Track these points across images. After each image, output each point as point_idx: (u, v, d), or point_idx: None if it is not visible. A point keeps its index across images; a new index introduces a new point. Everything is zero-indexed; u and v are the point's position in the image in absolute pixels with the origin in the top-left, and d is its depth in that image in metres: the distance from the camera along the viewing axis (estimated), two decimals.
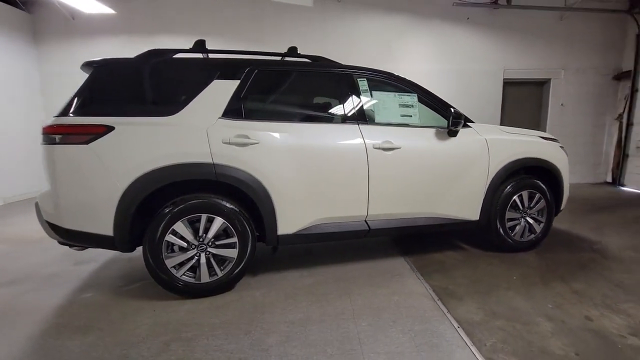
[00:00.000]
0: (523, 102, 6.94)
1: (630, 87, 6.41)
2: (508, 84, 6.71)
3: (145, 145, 2.10)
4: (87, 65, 2.24)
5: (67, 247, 2.31)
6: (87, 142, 2.02)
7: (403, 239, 3.45)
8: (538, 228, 3.12)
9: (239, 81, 2.33)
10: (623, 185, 6.45)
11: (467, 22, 6.46)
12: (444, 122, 2.75)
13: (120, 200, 2.06)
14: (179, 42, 6.05)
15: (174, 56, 2.38)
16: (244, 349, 1.75)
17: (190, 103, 2.23)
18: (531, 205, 3.06)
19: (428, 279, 2.55)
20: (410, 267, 2.79)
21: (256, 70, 2.40)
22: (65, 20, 6.08)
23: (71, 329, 1.94)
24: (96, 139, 2.02)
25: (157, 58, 2.33)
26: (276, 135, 2.32)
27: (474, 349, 1.73)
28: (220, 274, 2.28)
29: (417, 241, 3.39)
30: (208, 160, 2.17)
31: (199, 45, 2.51)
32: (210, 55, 2.59)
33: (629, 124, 6.45)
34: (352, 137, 2.50)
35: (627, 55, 6.58)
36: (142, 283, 2.52)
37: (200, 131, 2.18)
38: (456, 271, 2.71)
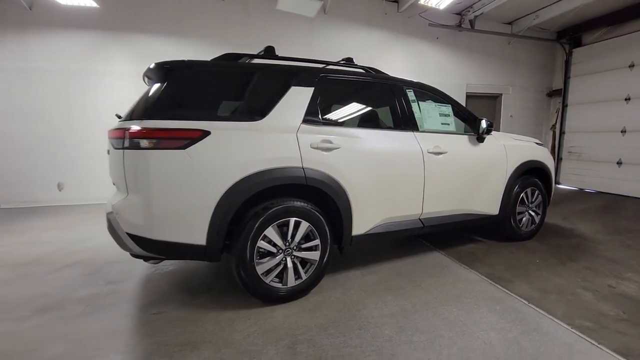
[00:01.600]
0: (482, 113, 7.93)
1: (561, 102, 7.80)
2: (470, 96, 7.64)
3: (241, 150, 2.05)
4: (160, 67, 2.12)
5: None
6: (183, 147, 1.92)
7: (425, 236, 3.77)
8: (537, 219, 3.71)
9: (313, 88, 2.41)
10: (559, 184, 7.77)
11: (437, 41, 7.22)
12: (468, 129, 3.16)
13: (216, 207, 1.98)
14: (162, 42, 5.72)
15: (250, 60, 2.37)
16: (370, 342, 1.84)
17: (275, 108, 2.24)
18: (532, 200, 3.63)
19: (473, 268, 2.89)
20: (450, 259, 3.11)
21: (327, 78, 2.51)
22: (21, 10, 5.30)
23: (176, 346, 1.81)
24: (193, 144, 1.93)
25: (235, 61, 2.29)
26: (352, 140, 2.45)
27: (553, 318, 2.08)
28: (304, 277, 2.31)
29: (438, 237, 3.74)
30: (299, 164, 2.20)
31: (269, 52, 2.53)
32: (256, 60, 2.58)
33: (561, 133, 7.83)
34: (410, 143, 2.74)
35: (557, 77, 8.00)
36: (209, 295, 2.40)
37: (291, 136, 2.22)
38: (489, 260, 3.10)
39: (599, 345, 1.81)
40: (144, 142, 1.87)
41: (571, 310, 2.19)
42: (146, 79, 2.39)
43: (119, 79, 5.66)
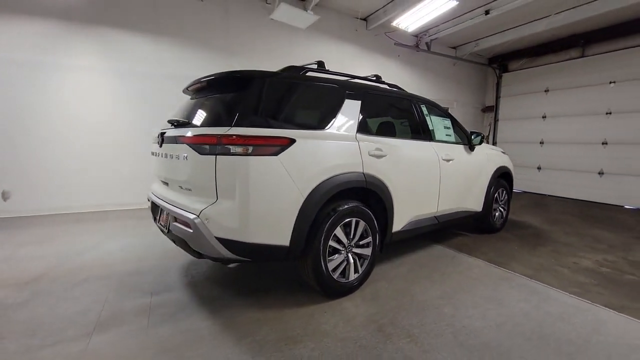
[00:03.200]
0: None
1: (493, 117, 9.29)
2: None
3: (320, 156, 2.23)
4: (244, 76, 2.19)
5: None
6: (275, 154, 2.03)
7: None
8: (504, 214, 4.51)
9: (360, 102, 2.70)
10: None
11: (398, 58, 8.03)
12: (458, 139, 3.78)
13: (300, 210, 2.12)
14: (138, 39, 5.36)
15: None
16: (439, 319, 2.18)
17: (336, 118, 2.46)
18: (502, 198, 4.42)
19: (475, 256, 3.45)
20: (453, 250, 3.64)
21: (369, 93, 2.81)
22: None
23: (277, 342, 1.90)
24: (282, 151, 2.05)
25: (298, 74, 2.45)
26: (394, 148, 2.78)
27: (554, 288, 2.69)
28: (360, 271, 2.56)
29: (431, 233, 4.28)
30: (361, 170, 2.46)
31: (321, 65, 2.73)
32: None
33: (494, 143, 9.31)
34: (430, 151, 3.19)
35: (490, 96, 9.51)
36: (267, 295, 2.49)
37: (354, 144, 2.46)
38: (482, 249, 3.71)
39: (593, 303, 2.44)
40: (240, 149, 1.94)
41: (560, 281, 2.85)
42: (199, 86, 2.41)
43: (86, 74, 5.10)
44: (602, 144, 6.93)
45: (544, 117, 8.02)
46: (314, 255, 2.24)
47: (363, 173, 2.47)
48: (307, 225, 2.16)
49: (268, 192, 2.02)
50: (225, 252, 2.00)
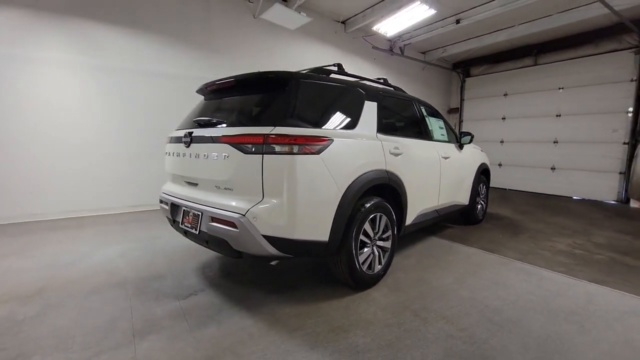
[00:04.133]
0: None
1: (458, 118, 10.02)
2: None
3: (354, 155, 2.34)
4: (282, 77, 2.22)
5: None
6: (318, 153, 2.10)
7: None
8: (484, 207, 4.96)
9: (377, 103, 2.85)
10: None
11: (374, 61, 8.36)
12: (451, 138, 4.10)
13: (338, 206, 2.22)
14: (113, 32, 5.05)
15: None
16: (461, 301, 2.40)
17: (361, 119, 2.59)
18: (483, 192, 4.85)
19: (469, 245, 3.77)
20: (448, 241, 3.94)
21: (382, 95, 2.98)
22: None
23: (329, 333, 1.98)
24: (324, 150, 2.13)
25: (324, 75, 2.54)
26: (406, 147, 2.97)
27: (544, 268, 3.06)
28: (383, 263, 2.72)
29: (425, 227, 4.57)
30: (384, 167, 2.61)
31: (340, 68, 2.83)
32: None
33: None
34: (432, 150, 3.44)
35: (454, 98, 10.23)
36: (297, 291, 2.54)
37: (378, 143, 2.60)
38: (472, 238, 4.05)
39: (579, 279, 2.83)
40: (286, 148, 1.98)
41: (547, 263, 3.24)
42: (225, 86, 2.40)
43: (56, 69, 4.69)
44: (554, 142, 7.82)
45: (503, 118, 8.83)
46: (348, 249, 2.34)
47: (386, 170, 2.63)
48: (343, 221, 2.26)
49: (312, 190, 2.08)
50: (271, 250, 2.03)
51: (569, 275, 2.94)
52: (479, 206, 4.74)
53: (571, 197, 7.49)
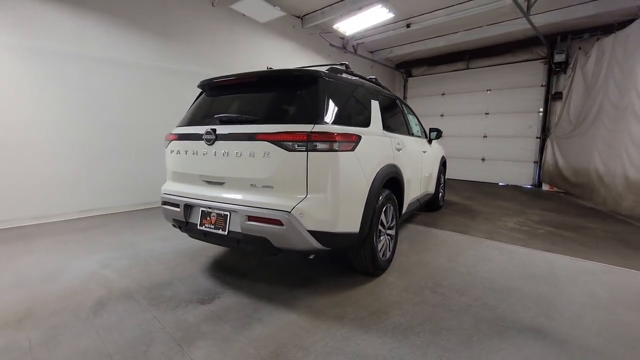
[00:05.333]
0: None
1: None
2: None
3: (375, 150, 2.49)
4: (315, 76, 2.25)
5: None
6: (352, 149, 2.20)
7: None
8: (444, 195, 5.59)
9: (378, 102, 3.05)
10: None
11: (329, 58, 8.57)
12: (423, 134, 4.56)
13: (367, 198, 2.37)
14: (57, 12, 4.35)
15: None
16: (463, 276, 2.77)
17: (372, 117, 2.76)
18: (442, 182, 5.46)
19: (442, 229, 4.26)
20: (423, 227, 4.38)
21: (380, 94, 3.19)
22: None
23: (372, 316, 2.13)
24: (356, 146, 2.24)
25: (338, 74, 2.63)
26: (403, 142, 3.24)
27: (508, 243, 3.65)
28: (390, 249, 2.96)
29: None
30: (392, 162, 2.83)
31: (347, 67, 2.95)
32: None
33: None
34: (416, 144, 3.79)
35: (399, 94, 11.04)
36: (318, 284, 2.64)
37: (387, 139, 2.80)
38: (441, 224, 4.57)
39: (537, 250, 3.47)
40: (327, 145, 2.05)
41: (508, 239, 3.86)
42: (245, 81, 2.36)
43: None
44: (484, 137, 9.06)
45: (442, 115, 9.88)
46: (371, 238, 2.51)
47: (394, 164, 2.86)
48: (369, 213, 2.42)
49: (349, 184, 2.20)
50: (316, 244, 2.09)
51: (528, 247, 3.57)
52: (440, 194, 5.33)
53: (498, 184, 8.80)
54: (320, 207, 2.06)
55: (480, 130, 9.11)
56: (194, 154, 2.39)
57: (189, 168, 2.46)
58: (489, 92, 8.92)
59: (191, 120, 2.59)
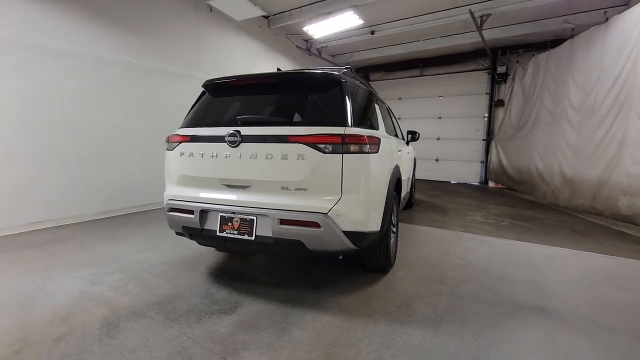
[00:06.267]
0: None
1: None
2: None
3: (389, 153, 2.61)
4: (339, 79, 2.27)
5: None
6: (377, 151, 2.28)
7: None
8: (414, 192, 5.98)
9: (378, 106, 3.19)
10: None
11: (293, 59, 8.59)
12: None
13: (386, 197, 2.47)
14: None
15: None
16: (465, 263, 3.03)
17: (378, 120, 2.87)
18: (414, 181, 5.83)
19: (423, 225, 4.56)
20: (405, 223, 4.64)
21: (376, 97, 3.33)
22: None
23: (401, 309, 2.23)
24: (379, 149, 2.33)
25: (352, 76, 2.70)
26: (398, 145, 3.42)
27: (486, 236, 4.06)
28: (396, 246, 3.11)
29: None
30: (397, 163, 2.98)
31: (351, 71, 3.01)
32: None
33: None
34: (403, 146, 4.02)
35: None
36: (335, 283, 2.68)
37: (394, 142, 2.94)
38: (418, 220, 4.88)
39: (509, 239, 3.92)
40: (358, 147, 2.11)
41: (482, 231, 4.29)
42: (264, 82, 2.32)
43: None
44: (437, 139, 9.84)
45: (399, 119, 10.45)
46: (387, 236, 2.63)
47: (397, 165, 3.02)
48: (388, 212, 2.53)
49: (375, 185, 2.28)
50: (349, 245, 2.13)
51: (502, 237, 4.01)
52: (413, 192, 5.69)
53: (450, 182, 9.62)
54: (354, 207, 2.11)
55: (434, 133, 9.88)
56: (212, 156, 2.26)
57: (206, 171, 2.32)
58: (441, 98, 9.73)
59: (204, 122, 2.45)
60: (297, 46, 8.21)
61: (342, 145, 2.05)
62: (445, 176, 9.77)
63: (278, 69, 2.95)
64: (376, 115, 2.86)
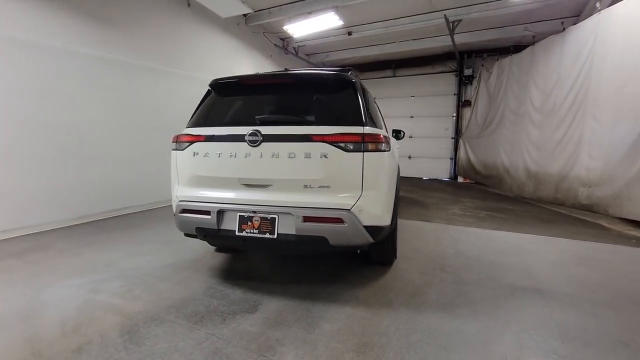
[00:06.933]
0: None
1: None
2: None
3: (394, 150, 2.74)
4: (351, 80, 2.34)
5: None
6: (389, 150, 2.40)
7: None
8: None
9: (376, 105, 3.33)
10: None
11: (270, 58, 8.53)
12: None
13: (395, 192, 2.60)
14: None
15: None
16: (458, 255, 3.26)
17: (380, 120, 3.00)
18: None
19: (412, 219, 4.79)
20: None
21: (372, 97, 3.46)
22: None
23: (414, 297, 2.37)
24: (390, 147, 2.45)
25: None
26: (394, 143, 3.58)
27: (468, 227, 4.37)
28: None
29: None
30: (397, 160, 3.13)
31: (353, 71, 3.10)
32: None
33: None
34: (395, 143, 4.20)
35: None
36: (347, 279, 2.77)
37: (395, 140, 3.08)
38: (405, 215, 5.12)
39: (489, 229, 4.25)
40: (374, 145, 2.21)
41: (464, 223, 4.61)
42: (279, 82, 2.36)
43: None
44: (410, 137, 10.27)
45: None
46: (394, 229, 2.77)
47: (397, 162, 3.17)
48: (396, 206, 2.68)
49: (389, 181, 2.40)
50: (369, 239, 2.22)
51: (482, 228, 4.34)
52: None
53: (422, 178, 10.11)
54: (373, 203, 2.21)
55: (407, 131, 10.23)
56: (231, 156, 2.25)
57: (224, 171, 2.29)
58: (412, 98, 10.17)
59: (217, 121, 2.41)
60: (275, 45, 8.15)
61: (362, 143, 2.14)
62: (417, 172, 10.24)
63: (286, 69, 2.98)
64: (378, 115, 2.98)
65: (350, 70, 3.12)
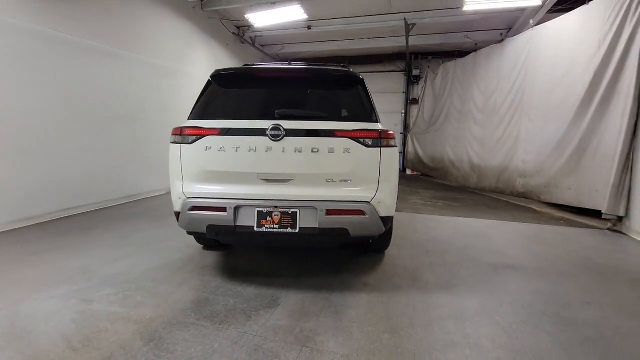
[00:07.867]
0: None
1: None
2: None
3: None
4: (357, 76, 2.42)
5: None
6: (396, 145, 2.56)
7: None
8: None
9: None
10: None
11: (227, 47, 8.14)
12: None
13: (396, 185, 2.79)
14: None
15: None
16: (452, 240, 3.61)
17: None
18: None
19: (401, 212, 5.10)
20: None
21: None
22: None
23: (416, 280, 2.60)
24: (395, 142, 2.61)
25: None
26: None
27: (438, 215, 4.82)
28: None
29: None
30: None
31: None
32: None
33: None
34: None
35: None
36: (351, 272, 2.90)
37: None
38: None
39: (454, 217, 4.76)
40: (386, 141, 2.35)
41: (428, 212, 5.06)
42: (291, 76, 2.36)
43: None
44: None
45: None
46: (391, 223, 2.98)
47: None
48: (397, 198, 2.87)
49: (397, 174, 2.57)
50: (382, 228, 2.37)
51: (445, 215, 4.84)
52: None
53: None
54: (388, 195, 2.37)
55: None
56: (250, 150, 2.18)
57: (241, 166, 2.21)
58: None
59: (228, 114, 2.31)
60: (232, 33, 7.80)
61: (379, 139, 2.28)
62: None
63: (289, 62, 2.93)
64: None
65: (344, 66, 3.23)
